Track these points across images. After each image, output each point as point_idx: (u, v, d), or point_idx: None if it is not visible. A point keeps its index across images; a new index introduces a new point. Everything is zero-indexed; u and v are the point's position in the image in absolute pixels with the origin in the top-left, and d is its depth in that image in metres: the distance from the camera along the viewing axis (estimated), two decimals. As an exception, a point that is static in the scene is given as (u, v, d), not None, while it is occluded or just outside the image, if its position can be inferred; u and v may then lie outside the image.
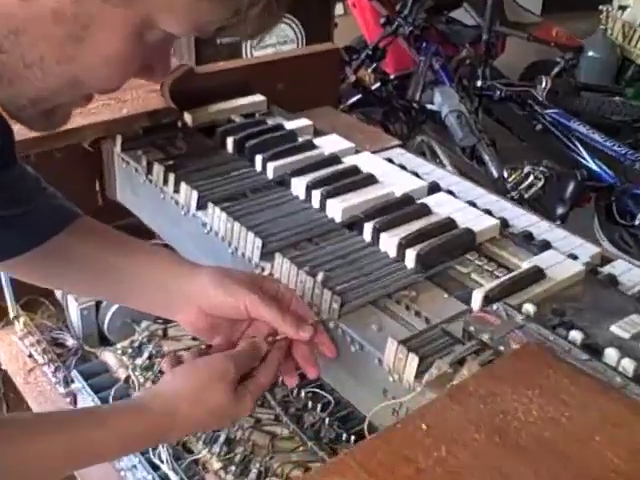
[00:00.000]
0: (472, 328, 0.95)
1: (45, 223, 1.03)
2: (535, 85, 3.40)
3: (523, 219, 1.27)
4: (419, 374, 0.93)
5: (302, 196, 1.27)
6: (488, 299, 1.02)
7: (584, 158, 3.20)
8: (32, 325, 1.47)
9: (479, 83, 3.51)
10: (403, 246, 1.12)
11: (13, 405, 1.52)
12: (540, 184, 2.86)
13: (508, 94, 3.47)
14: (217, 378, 0.90)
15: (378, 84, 3.54)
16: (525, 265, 1.10)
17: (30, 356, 1.44)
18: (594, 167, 3.15)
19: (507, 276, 1.07)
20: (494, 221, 1.20)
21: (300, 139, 1.44)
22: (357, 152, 1.42)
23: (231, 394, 0.90)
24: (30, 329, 1.47)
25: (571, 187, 2.83)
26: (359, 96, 3.34)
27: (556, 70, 3.99)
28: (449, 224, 1.17)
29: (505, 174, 3.03)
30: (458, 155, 3.34)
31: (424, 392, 0.91)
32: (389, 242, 1.14)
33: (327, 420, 1.18)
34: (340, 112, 1.88)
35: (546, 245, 1.17)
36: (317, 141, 1.42)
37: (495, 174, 3.15)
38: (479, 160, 3.35)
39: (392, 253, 1.13)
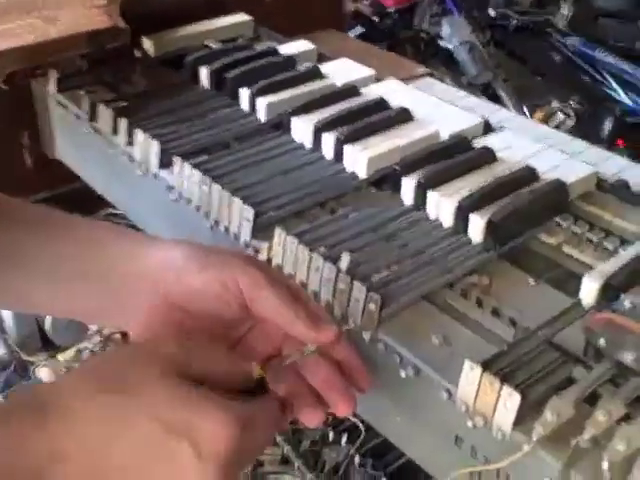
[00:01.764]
0: (602, 341, 0.59)
1: None
2: (553, 12, 3.02)
3: (611, 164, 0.90)
4: (520, 419, 0.57)
5: (308, 143, 0.90)
6: (609, 289, 0.66)
7: (615, 91, 2.81)
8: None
9: (491, 12, 3.11)
10: (464, 210, 0.75)
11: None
12: (571, 122, 2.48)
13: (524, 23, 3.07)
14: (148, 362, 0.54)
15: (376, 18, 3.14)
16: (650, 231, 0.75)
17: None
18: (628, 101, 2.76)
19: (631, 250, 0.71)
20: (589, 169, 0.83)
21: (301, 67, 1.06)
22: (378, 81, 1.04)
23: (181, 393, 0.52)
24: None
25: (608, 124, 2.45)
26: (361, 29, 2.93)
27: (571, -6, 3.58)
28: (527, 175, 0.80)
29: (526, 112, 2.65)
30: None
31: (535, 452, 0.55)
32: (442, 205, 0.77)
33: (357, 458, 0.83)
34: (348, 36, 1.49)
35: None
36: (324, 68, 1.05)
37: (514, 113, 2.77)
38: (493, 98, 2.95)
39: (447, 221, 0.77)
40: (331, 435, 0.85)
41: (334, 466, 0.82)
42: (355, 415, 0.83)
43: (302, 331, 0.61)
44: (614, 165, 0.89)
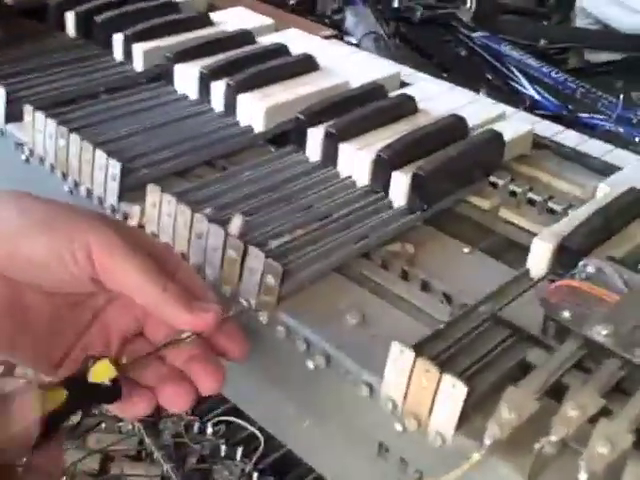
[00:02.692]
0: (566, 314, 0.46)
1: None
2: (459, 6, 2.95)
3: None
4: (466, 418, 0.43)
5: (194, 93, 0.75)
6: (565, 253, 0.53)
7: (523, 85, 2.75)
8: None
9: (395, 3, 3.01)
10: (384, 164, 0.61)
11: None
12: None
13: (430, 17, 2.99)
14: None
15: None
16: (601, 191, 0.62)
17: None
18: (535, 95, 2.70)
19: (584, 209, 0.58)
20: (525, 127, 0.71)
21: (186, 14, 0.90)
22: (278, 31, 0.89)
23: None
24: None
25: (518, 116, 2.38)
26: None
27: (477, -12, 3.54)
28: (457, 126, 0.67)
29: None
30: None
31: (488, 462, 0.41)
32: (357, 159, 0.63)
33: (255, 476, 0.68)
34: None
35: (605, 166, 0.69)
36: (215, 16, 0.89)
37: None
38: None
39: (362, 179, 0.63)
40: (223, 449, 0.69)
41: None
42: (251, 423, 0.68)
43: (172, 314, 0.45)
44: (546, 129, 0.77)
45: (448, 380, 0.43)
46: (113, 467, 0.69)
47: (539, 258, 0.54)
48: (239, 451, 0.69)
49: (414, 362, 0.44)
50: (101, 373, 0.43)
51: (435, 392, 0.43)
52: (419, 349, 0.45)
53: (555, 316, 0.46)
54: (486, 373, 0.46)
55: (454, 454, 0.43)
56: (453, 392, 0.43)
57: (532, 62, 2.83)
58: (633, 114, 2.52)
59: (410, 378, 0.44)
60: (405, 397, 0.45)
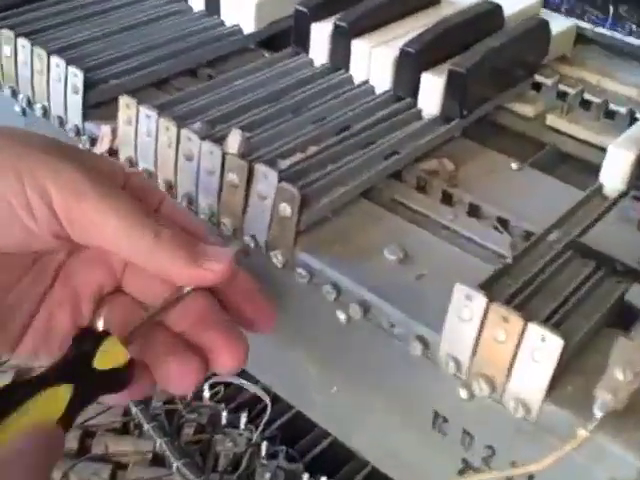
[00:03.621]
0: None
1: None
2: None
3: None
4: (556, 383, 0.33)
5: (167, -10, 0.62)
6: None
7: None
8: None
9: None
10: (410, 63, 0.50)
11: None
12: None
13: None
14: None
15: None
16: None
17: None
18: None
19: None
20: (568, 21, 0.60)
21: None
22: None
23: None
24: None
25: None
26: None
27: None
28: (490, 15, 0.55)
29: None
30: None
31: (598, 440, 0.31)
32: (374, 59, 0.51)
33: (264, 445, 0.57)
34: None
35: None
36: None
37: None
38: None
39: (383, 82, 0.51)
40: (224, 416, 0.59)
41: (232, 459, 0.56)
42: (255, 382, 0.57)
43: (170, 268, 0.33)
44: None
45: (536, 331, 0.32)
46: (95, 444, 0.57)
47: (616, 171, 0.43)
48: (243, 417, 0.59)
49: (486, 309, 0.33)
50: (110, 355, 0.31)
51: (517, 347, 0.33)
52: (489, 291, 0.34)
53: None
54: (576, 320, 0.35)
55: (542, 428, 0.33)
56: (543, 347, 0.32)
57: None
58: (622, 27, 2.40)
59: (481, 330, 0.34)
60: (473, 354, 0.34)
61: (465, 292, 0.34)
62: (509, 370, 0.34)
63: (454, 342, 0.35)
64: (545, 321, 0.34)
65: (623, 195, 0.43)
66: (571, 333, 0.34)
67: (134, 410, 0.57)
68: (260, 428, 0.57)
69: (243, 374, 0.57)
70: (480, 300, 0.33)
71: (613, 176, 0.43)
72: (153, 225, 0.33)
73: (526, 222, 0.43)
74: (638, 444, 0.31)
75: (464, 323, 0.34)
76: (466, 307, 0.34)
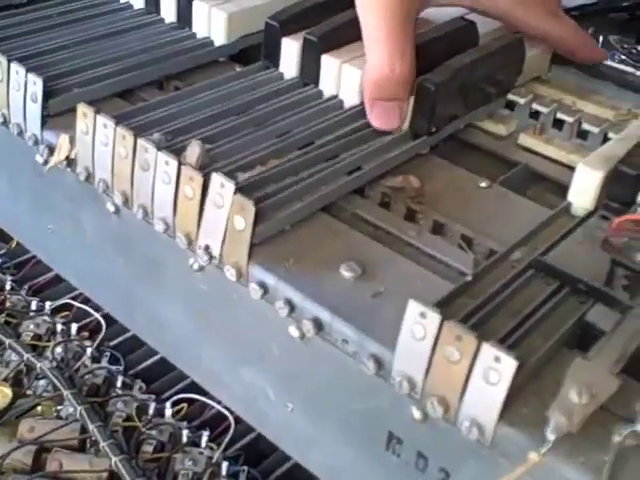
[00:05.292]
0: (642, 258, 0.34)
1: None
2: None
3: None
4: (510, 404, 0.31)
5: (139, 2, 0.61)
6: (621, 181, 0.41)
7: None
8: None
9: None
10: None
11: None
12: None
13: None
14: None
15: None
16: None
17: None
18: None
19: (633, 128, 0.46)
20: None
21: None
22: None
23: None
24: None
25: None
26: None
27: None
28: (463, 32, 0.54)
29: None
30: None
31: (551, 464, 0.30)
32: (344, 74, 0.50)
33: (225, 465, 0.56)
34: None
35: None
36: None
37: None
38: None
39: (352, 97, 0.50)
40: (185, 434, 0.57)
41: (191, 478, 0.54)
42: (218, 400, 0.56)
43: None
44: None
45: (490, 351, 0.31)
46: (50, 461, 0.55)
47: (584, 189, 0.42)
48: (204, 435, 0.57)
49: (440, 327, 0.32)
50: None
51: (470, 367, 0.32)
52: (444, 308, 0.33)
53: (625, 260, 0.34)
54: (535, 340, 0.34)
55: (496, 451, 0.32)
56: (497, 367, 0.31)
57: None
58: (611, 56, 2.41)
59: (434, 349, 0.32)
60: (427, 374, 0.33)
61: (419, 309, 0.33)
62: (463, 391, 0.32)
63: (408, 361, 0.34)
64: (502, 340, 0.33)
65: (591, 214, 0.42)
66: (528, 353, 0.32)
67: (91, 427, 0.56)
68: (222, 447, 0.55)
69: (205, 391, 0.56)
70: (433, 318, 0.32)
71: (581, 195, 0.42)
72: None
73: (491, 240, 0.42)
74: (595, 468, 0.30)
75: (418, 342, 0.33)
76: (420, 325, 0.33)
